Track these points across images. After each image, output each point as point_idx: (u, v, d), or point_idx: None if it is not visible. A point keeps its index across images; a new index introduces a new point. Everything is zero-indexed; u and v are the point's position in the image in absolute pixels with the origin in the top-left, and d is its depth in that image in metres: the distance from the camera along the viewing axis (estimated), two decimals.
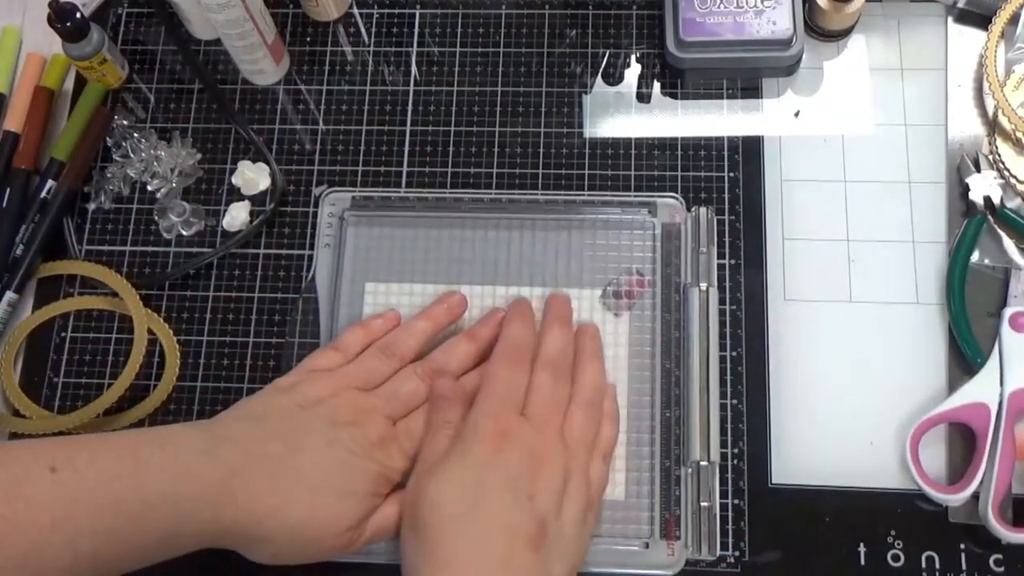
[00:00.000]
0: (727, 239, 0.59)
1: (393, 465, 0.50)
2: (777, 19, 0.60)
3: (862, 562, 0.53)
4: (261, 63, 0.62)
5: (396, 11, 0.66)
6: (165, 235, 0.61)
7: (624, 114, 0.62)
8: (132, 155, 0.63)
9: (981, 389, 0.53)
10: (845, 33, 0.62)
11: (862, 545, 0.53)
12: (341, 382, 0.52)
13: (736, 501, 0.54)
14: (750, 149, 0.61)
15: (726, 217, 0.59)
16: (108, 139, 0.63)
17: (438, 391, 0.52)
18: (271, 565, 0.49)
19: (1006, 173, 0.58)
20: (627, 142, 0.61)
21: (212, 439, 0.47)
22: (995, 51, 0.58)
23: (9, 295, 0.59)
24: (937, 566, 0.52)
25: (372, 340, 0.55)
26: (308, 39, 0.66)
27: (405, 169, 0.62)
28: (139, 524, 0.44)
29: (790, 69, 0.62)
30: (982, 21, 0.61)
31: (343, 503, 0.48)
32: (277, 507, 0.46)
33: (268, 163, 0.62)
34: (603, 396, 0.54)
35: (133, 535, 0.44)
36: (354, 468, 0.49)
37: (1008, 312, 0.55)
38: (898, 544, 0.53)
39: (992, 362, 0.54)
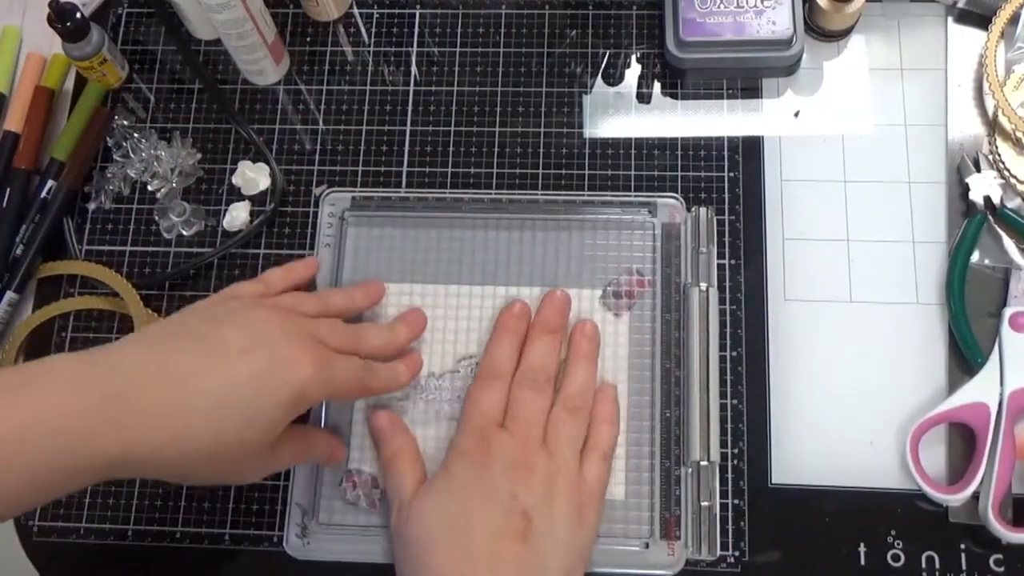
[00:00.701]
0: (727, 239, 0.59)
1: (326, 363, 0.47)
2: (777, 19, 0.60)
3: (862, 562, 0.53)
4: (261, 63, 0.62)
5: (396, 11, 0.66)
6: (165, 235, 0.61)
7: (624, 114, 0.62)
8: (132, 155, 0.63)
9: (981, 389, 0.53)
10: (845, 33, 0.62)
11: (862, 545, 0.53)
12: (268, 302, 0.50)
13: (736, 501, 0.54)
14: (750, 149, 0.61)
15: (726, 217, 0.59)
16: (108, 139, 0.63)
17: (375, 425, 0.54)
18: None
19: (1006, 173, 0.58)
20: (627, 142, 0.61)
21: (90, 366, 0.42)
22: (995, 51, 0.58)
23: (9, 295, 0.59)
24: (937, 566, 0.52)
25: (293, 281, 0.54)
26: (308, 39, 0.66)
27: (405, 169, 0.62)
28: (1, 465, 0.39)
29: (790, 69, 0.62)
30: (982, 21, 0.61)
31: (249, 429, 0.44)
32: (178, 434, 0.42)
33: (268, 163, 0.62)
34: (590, 399, 0.54)
35: None
36: (269, 385, 0.44)
37: (1008, 312, 0.55)
38: (898, 544, 0.53)
39: (992, 362, 0.54)
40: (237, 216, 0.61)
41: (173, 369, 0.43)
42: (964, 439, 0.54)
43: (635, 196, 0.60)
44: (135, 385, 0.42)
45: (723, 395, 0.56)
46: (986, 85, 0.58)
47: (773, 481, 0.55)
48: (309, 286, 0.59)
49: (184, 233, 0.61)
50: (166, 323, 0.47)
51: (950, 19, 0.62)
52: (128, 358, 0.44)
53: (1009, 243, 0.57)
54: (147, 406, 0.42)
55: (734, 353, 0.57)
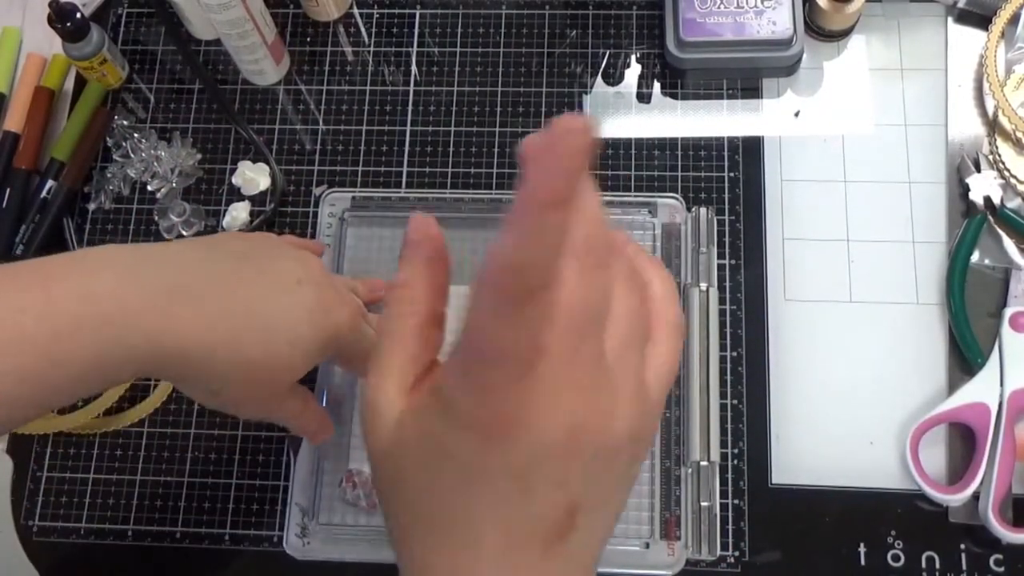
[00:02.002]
0: (727, 239, 0.59)
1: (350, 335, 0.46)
2: (777, 19, 0.60)
3: (862, 562, 0.53)
4: (261, 63, 0.62)
5: (396, 11, 0.66)
6: (165, 235, 0.61)
7: (624, 114, 0.62)
8: (132, 155, 0.63)
9: (981, 389, 0.53)
10: (845, 33, 0.62)
11: (862, 545, 0.53)
12: None
13: (736, 501, 0.54)
14: (750, 149, 0.61)
15: (726, 217, 0.59)
16: (108, 139, 0.63)
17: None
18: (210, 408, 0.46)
19: (1006, 173, 0.58)
20: (627, 142, 0.61)
21: (143, 257, 0.41)
22: (995, 51, 0.58)
23: None
24: (937, 566, 0.52)
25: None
26: (308, 39, 0.66)
27: (405, 169, 0.62)
28: (52, 359, 0.37)
29: (790, 69, 0.62)
30: (982, 21, 0.61)
31: (295, 350, 0.43)
32: (230, 338, 0.41)
33: (268, 163, 0.62)
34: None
35: (48, 371, 0.37)
36: (315, 318, 0.44)
37: (1008, 312, 0.55)
38: (898, 544, 0.53)
39: (992, 362, 0.54)
40: (237, 216, 0.61)
41: (228, 279, 0.42)
42: (964, 439, 0.54)
43: (635, 196, 0.60)
44: (191, 283, 0.41)
45: (723, 395, 0.56)
46: (986, 85, 0.58)
47: (773, 481, 0.55)
48: None
49: (184, 233, 0.61)
50: (205, 242, 0.46)
51: (950, 19, 0.62)
52: (181, 258, 0.42)
53: (1009, 243, 0.57)
54: (203, 304, 0.40)
55: (734, 353, 0.57)
